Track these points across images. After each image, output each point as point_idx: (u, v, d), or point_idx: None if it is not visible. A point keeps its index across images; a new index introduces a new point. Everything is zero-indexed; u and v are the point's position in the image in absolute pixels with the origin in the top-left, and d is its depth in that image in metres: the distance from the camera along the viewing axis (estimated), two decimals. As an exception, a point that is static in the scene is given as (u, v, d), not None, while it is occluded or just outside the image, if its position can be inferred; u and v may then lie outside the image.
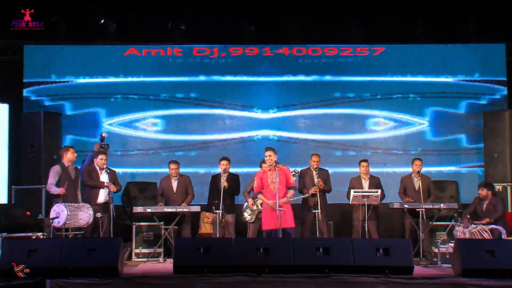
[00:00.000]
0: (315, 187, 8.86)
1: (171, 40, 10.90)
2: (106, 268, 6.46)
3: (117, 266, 6.52)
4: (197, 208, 8.96)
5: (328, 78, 11.01)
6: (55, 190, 8.14)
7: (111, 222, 8.41)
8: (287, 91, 11.00)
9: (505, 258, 6.57)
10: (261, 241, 7.39)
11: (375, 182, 9.19)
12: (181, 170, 9.32)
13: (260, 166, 8.84)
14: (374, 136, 10.97)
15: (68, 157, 8.37)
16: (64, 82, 10.85)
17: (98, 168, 8.60)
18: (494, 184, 9.46)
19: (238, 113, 10.98)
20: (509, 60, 10.96)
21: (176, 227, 8.94)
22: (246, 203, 8.92)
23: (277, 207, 7.67)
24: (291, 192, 8.07)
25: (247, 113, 10.99)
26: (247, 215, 8.80)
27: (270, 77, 11.00)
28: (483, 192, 8.68)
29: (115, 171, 8.95)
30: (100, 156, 8.61)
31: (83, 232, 8.22)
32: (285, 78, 11.01)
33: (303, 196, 8.95)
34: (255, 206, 8.67)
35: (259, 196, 8.11)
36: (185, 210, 8.81)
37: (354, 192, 8.74)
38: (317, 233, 8.67)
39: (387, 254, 6.66)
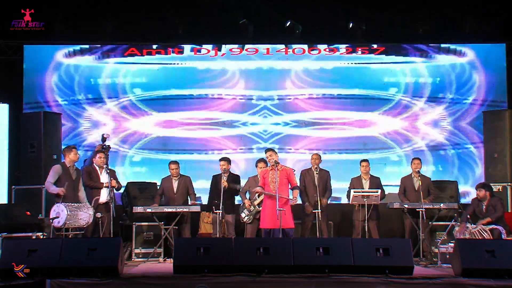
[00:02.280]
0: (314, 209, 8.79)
1: (171, 40, 10.89)
2: (106, 268, 6.45)
3: (117, 266, 6.51)
4: (197, 208, 8.95)
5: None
6: (53, 190, 8.09)
7: (112, 222, 8.40)
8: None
9: (505, 258, 6.56)
10: (261, 241, 7.39)
11: (375, 182, 9.18)
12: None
13: (256, 166, 8.91)
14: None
15: (71, 157, 8.30)
16: (63, 82, 10.86)
17: (97, 168, 8.59)
18: (494, 184, 9.48)
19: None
20: (509, 60, 10.95)
21: (176, 227, 8.94)
22: (243, 203, 8.90)
23: (277, 207, 7.71)
24: (296, 192, 8.17)
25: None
26: (244, 216, 8.78)
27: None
28: (481, 193, 8.59)
29: (114, 171, 8.94)
30: (98, 155, 8.57)
31: (83, 232, 8.21)
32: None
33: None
34: (252, 206, 8.68)
35: (258, 189, 8.19)
36: (184, 210, 8.80)
37: (354, 192, 8.74)
38: (317, 233, 8.66)
39: (387, 254, 6.64)
